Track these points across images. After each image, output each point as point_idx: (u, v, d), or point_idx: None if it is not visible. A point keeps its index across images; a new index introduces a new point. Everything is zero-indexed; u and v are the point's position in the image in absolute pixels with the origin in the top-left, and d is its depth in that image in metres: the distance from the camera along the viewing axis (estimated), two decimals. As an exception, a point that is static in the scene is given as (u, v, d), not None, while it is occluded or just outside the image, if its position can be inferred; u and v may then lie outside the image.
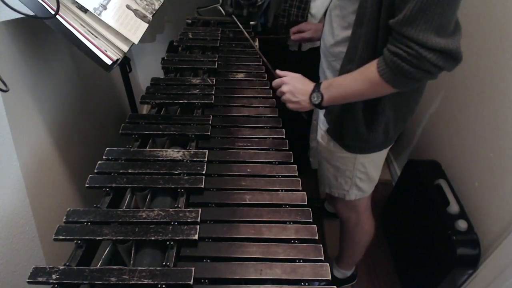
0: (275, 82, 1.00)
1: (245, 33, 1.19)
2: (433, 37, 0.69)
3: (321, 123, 1.11)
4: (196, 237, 0.68)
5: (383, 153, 1.10)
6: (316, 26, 1.28)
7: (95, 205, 0.75)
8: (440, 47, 0.70)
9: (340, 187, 1.16)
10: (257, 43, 1.43)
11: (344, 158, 1.08)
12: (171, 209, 0.73)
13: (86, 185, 0.79)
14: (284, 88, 0.96)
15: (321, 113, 1.10)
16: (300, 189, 0.82)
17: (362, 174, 1.11)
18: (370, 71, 0.80)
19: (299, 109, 0.97)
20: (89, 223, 0.71)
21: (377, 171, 1.15)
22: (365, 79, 0.82)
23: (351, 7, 0.88)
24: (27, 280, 0.62)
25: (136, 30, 0.94)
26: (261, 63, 1.26)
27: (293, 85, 0.95)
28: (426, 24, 0.69)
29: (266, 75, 1.20)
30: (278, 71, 1.02)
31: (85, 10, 0.84)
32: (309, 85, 0.94)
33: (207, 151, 0.88)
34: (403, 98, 0.92)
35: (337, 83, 0.89)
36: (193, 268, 0.63)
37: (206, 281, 0.65)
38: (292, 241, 0.72)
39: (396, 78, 0.77)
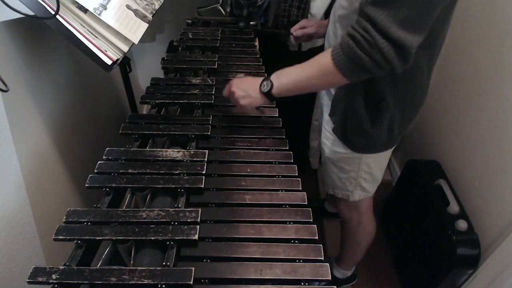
0: (224, 91, 0.97)
1: None
2: (394, 27, 0.68)
3: (326, 124, 1.11)
4: (196, 237, 0.68)
5: (388, 153, 1.10)
6: (319, 22, 1.28)
7: (95, 205, 0.75)
8: (398, 38, 0.68)
9: (344, 188, 1.16)
10: (257, 43, 1.43)
11: (349, 158, 1.08)
12: (171, 209, 0.73)
13: (86, 185, 0.79)
14: (232, 88, 0.93)
15: (326, 113, 1.09)
16: (300, 189, 0.82)
17: (367, 175, 1.11)
18: (324, 56, 0.79)
19: (251, 103, 0.92)
20: (89, 223, 0.71)
21: (382, 171, 1.15)
22: (316, 64, 0.81)
23: (353, 6, 0.88)
24: (27, 280, 0.62)
25: (136, 30, 0.94)
26: (261, 63, 1.26)
27: (240, 81, 0.94)
28: (393, 10, 0.67)
29: (266, 75, 1.20)
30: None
31: (85, 10, 0.84)
32: (259, 78, 0.92)
33: (207, 151, 0.88)
34: (407, 95, 0.92)
35: (288, 70, 0.88)
36: (193, 268, 0.63)
37: (206, 281, 0.65)
38: (292, 241, 0.72)
39: (347, 64, 0.76)
